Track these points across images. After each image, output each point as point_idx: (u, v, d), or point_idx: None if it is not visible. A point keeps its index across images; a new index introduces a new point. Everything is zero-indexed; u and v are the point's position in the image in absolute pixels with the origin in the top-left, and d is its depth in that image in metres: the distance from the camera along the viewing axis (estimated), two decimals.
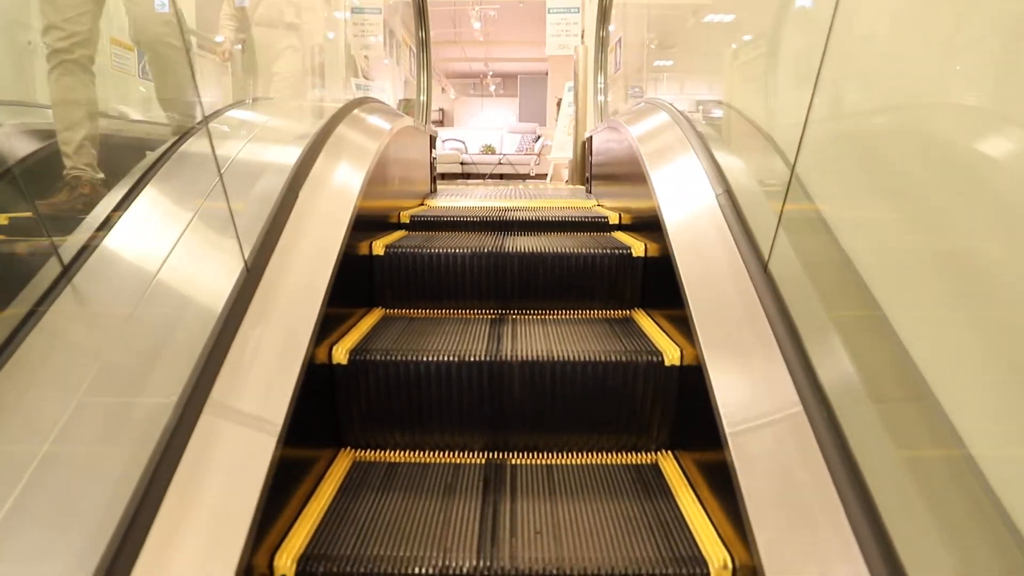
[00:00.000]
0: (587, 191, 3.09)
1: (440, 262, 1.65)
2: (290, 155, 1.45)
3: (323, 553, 0.98)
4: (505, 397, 1.31)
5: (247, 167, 1.40)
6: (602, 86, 3.36)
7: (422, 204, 2.52)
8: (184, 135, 1.17)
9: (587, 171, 3.22)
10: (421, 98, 3.24)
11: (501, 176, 9.84)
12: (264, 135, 1.71)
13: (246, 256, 1.14)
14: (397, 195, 2.19)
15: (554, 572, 0.96)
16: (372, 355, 1.29)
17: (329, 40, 5.26)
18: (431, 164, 2.95)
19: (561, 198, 2.60)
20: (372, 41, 5.94)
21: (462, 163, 10.04)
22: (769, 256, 1.10)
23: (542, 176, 8.66)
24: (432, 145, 2.99)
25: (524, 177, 9.65)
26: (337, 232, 1.38)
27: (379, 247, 1.64)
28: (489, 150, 10.84)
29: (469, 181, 7.05)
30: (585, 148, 3.62)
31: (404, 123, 2.17)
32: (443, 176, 9.37)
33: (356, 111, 1.88)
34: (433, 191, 2.97)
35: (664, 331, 1.42)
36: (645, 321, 1.54)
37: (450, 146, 10.73)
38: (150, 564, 0.67)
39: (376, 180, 1.75)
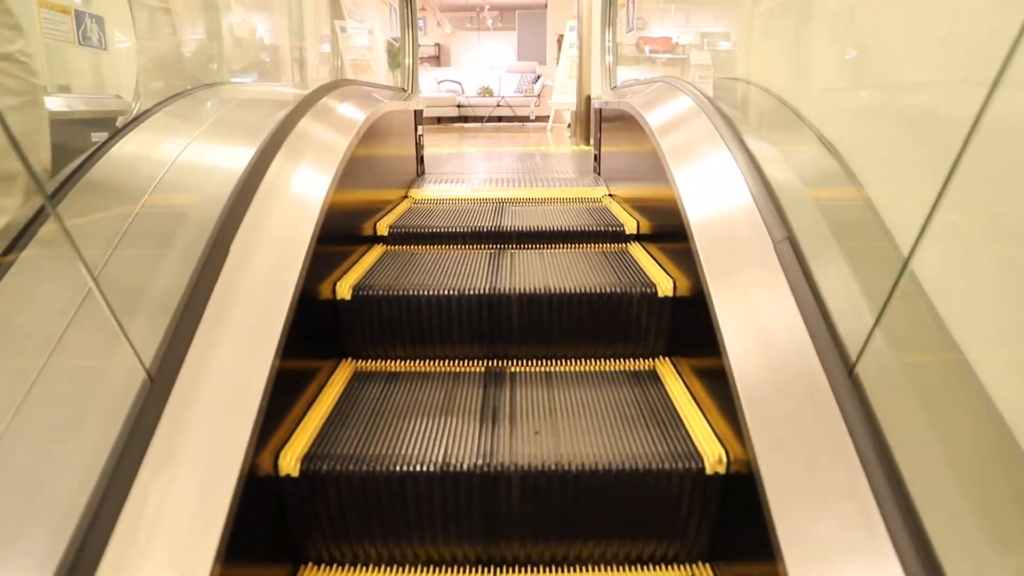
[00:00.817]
0: (595, 171, 2.74)
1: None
2: (223, 188, 1.13)
3: (326, 452, 1.01)
4: (504, 329, 1.35)
5: (161, 209, 1.09)
6: (610, 45, 2.95)
7: (406, 196, 2.19)
8: (32, 220, 0.85)
9: (594, 144, 2.86)
10: (406, 61, 2.84)
11: (499, 119, 9.38)
12: (208, 135, 1.38)
13: (147, 362, 0.85)
14: (376, 190, 1.86)
15: (553, 467, 0.96)
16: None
17: None
18: (417, 143, 2.58)
19: (568, 187, 2.27)
20: None
21: (459, 106, 9.53)
22: (859, 357, 0.81)
23: (543, 119, 8.18)
24: (418, 121, 2.62)
25: (524, 120, 9.18)
26: (284, 299, 1.07)
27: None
28: (487, 92, 10.26)
29: (466, 132, 6.63)
30: (591, 112, 3.24)
31: (380, 111, 1.82)
32: (439, 120, 8.90)
33: (323, 99, 1.53)
34: (420, 173, 2.62)
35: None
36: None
37: (446, 87, 10.14)
38: None
39: (343, 192, 1.43)
